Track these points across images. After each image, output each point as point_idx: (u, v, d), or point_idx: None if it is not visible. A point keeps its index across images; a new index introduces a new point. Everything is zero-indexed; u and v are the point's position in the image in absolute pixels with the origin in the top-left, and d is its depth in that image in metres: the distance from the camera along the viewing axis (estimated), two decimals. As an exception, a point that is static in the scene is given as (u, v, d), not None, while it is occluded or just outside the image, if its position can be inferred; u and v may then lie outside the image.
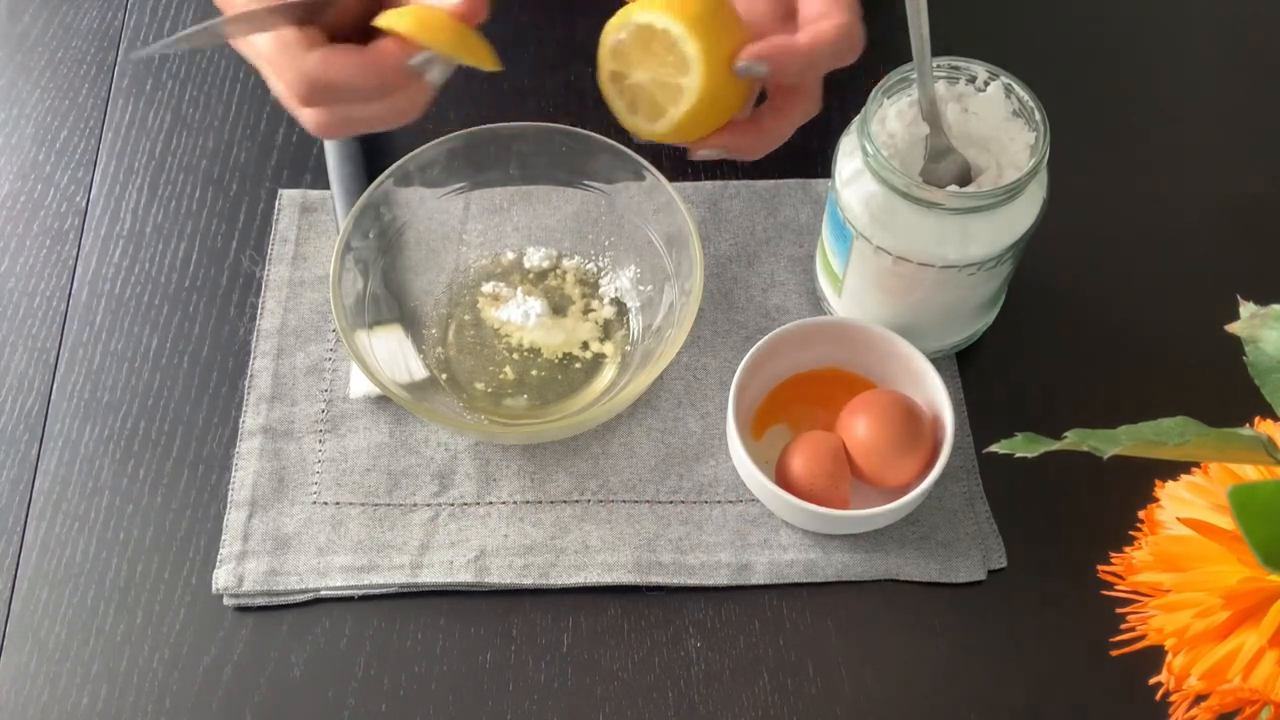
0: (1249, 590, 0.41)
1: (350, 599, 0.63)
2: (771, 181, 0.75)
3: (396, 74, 0.51)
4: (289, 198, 0.75)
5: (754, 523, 0.65)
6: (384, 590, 0.63)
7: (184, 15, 0.83)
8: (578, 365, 0.69)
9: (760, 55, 0.54)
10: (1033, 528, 0.65)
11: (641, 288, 0.71)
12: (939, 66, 0.62)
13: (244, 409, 0.68)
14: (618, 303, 0.71)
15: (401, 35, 0.50)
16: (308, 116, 0.53)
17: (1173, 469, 0.45)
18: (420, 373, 0.68)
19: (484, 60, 0.53)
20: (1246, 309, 0.44)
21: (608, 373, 0.69)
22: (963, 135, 0.62)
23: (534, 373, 0.69)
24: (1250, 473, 0.44)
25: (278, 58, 0.50)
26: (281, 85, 0.51)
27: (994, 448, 0.42)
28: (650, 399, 0.68)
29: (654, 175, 0.67)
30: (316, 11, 0.51)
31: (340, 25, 0.52)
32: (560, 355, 0.70)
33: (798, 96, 0.57)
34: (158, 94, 0.80)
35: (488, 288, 0.71)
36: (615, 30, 0.56)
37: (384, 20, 0.51)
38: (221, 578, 0.63)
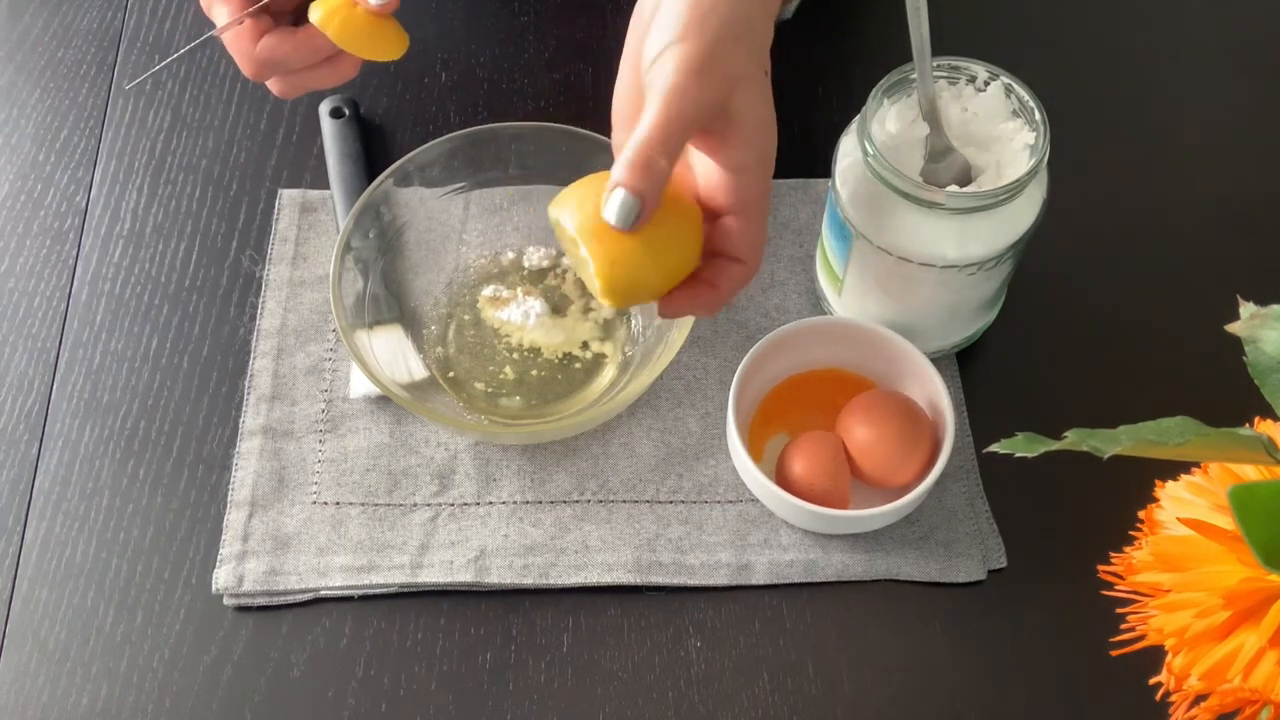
0: (1249, 590, 0.41)
1: (350, 599, 0.63)
2: (771, 181, 0.75)
3: (325, 50, 0.63)
4: (289, 198, 0.75)
5: (754, 523, 0.65)
6: (384, 590, 0.63)
7: (183, 15, 0.83)
8: (578, 365, 0.69)
9: (677, 312, 0.54)
10: (1033, 528, 0.65)
11: (641, 288, 0.70)
12: (939, 66, 0.62)
13: (244, 409, 0.68)
14: (618, 302, 0.71)
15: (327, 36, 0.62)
16: (270, 85, 0.65)
17: (1173, 469, 0.45)
18: (420, 373, 0.68)
19: (391, 55, 0.63)
20: (1246, 309, 0.44)
21: (608, 373, 0.69)
22: (963, 135, 0.62)
23: (534, 373, 0.69)
24: (1250, 473, 0.44)
25: (234, 45, 0.63)
26: (241, 66, 0.63)
27: (994, 448, 0.42)
28: (650, 399, 0.68)
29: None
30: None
31: (284, 7, 0.64)
32: (560, 355, 0.70)
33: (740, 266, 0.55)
34: (158, 94, 0.80)
35: (488, 291, 0.71)
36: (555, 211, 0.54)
37: (313, 16, 0.61)
38: (221, 578, 0.63)
